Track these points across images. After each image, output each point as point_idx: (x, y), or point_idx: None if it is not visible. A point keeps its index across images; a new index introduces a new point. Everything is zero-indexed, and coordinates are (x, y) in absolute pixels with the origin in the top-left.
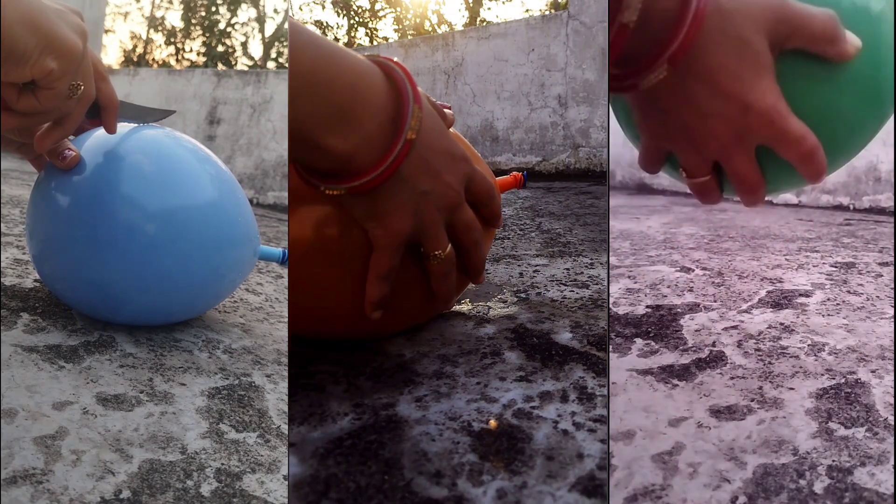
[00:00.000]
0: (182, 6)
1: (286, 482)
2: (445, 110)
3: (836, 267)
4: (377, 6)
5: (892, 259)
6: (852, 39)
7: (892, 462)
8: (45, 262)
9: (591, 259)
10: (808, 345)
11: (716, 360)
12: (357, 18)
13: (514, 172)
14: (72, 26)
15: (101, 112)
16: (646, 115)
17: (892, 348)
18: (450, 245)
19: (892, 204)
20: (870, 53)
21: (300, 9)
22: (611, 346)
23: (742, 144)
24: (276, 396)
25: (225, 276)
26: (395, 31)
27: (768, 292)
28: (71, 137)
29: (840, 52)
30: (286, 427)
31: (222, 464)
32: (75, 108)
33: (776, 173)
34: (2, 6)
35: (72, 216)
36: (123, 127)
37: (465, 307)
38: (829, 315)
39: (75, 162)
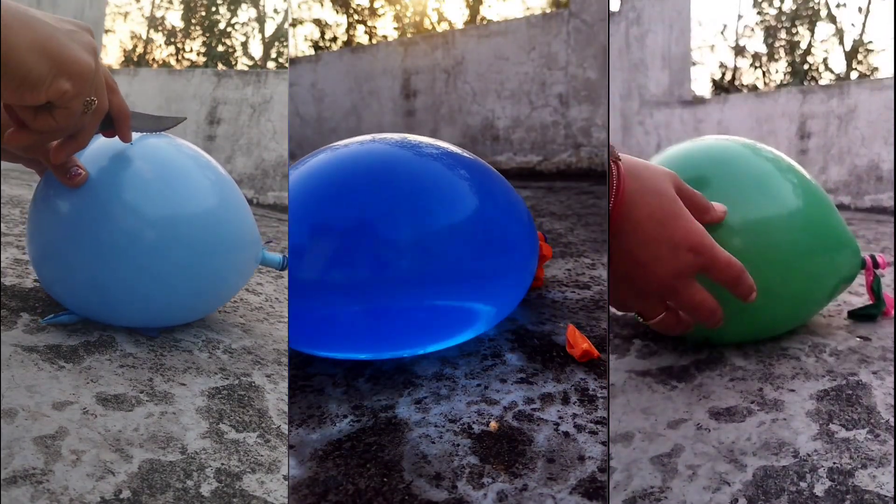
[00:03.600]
0: (182, 6)
1: (286, 482)
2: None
3: None
4: (376, 4)
5: (893, 259)
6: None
7: (892, 464)
8: (44, 267)
9: (593, 259)
10: (809, 346)
11: (715, 361)
12: (356, 16)
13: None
14: (83, 45)
15: (115, 123)
16: (614, 285)
17: (893, 349)
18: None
19: (893, 203)
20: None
21: (298, 6)
22: (610, 347)
23: (681, 279)
24: (275, 396)
25: (225, 281)
26: (395, 29)
27: None
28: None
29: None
30: (286, 427)
31: (222, 464)
32: (89, 122)
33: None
34: (13, 33)
35: (72, 222)
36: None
37: None
38: (829, 316)
39: (83, 181)
